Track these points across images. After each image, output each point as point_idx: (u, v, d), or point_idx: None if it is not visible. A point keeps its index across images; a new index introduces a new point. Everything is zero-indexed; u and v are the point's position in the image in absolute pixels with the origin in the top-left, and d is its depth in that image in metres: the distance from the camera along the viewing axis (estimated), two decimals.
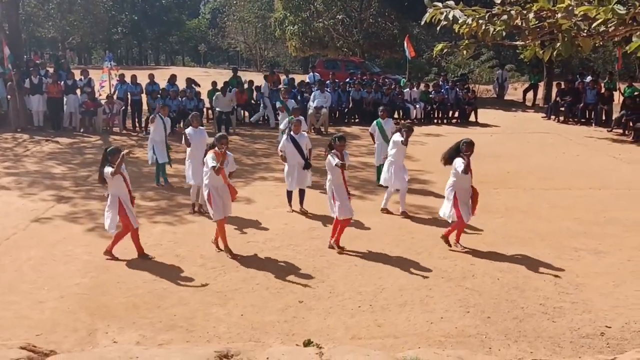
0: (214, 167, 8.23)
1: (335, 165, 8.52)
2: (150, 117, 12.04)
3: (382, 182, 10.83)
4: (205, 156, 8.54)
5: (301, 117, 11.87)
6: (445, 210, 8.83)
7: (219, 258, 8.47)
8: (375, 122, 11.95)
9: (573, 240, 9.21)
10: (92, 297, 7.25)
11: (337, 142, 8.70)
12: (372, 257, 8.55)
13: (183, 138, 10.52)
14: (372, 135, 12.01)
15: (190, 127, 10.51)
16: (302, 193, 10.57)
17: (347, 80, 21.99)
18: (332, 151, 8.68)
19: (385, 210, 10.55)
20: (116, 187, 8.20)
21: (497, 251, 8.74)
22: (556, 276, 7.84)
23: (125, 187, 8.25)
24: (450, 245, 8.82)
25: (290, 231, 9.60)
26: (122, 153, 8.04)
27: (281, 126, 12.33)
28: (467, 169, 8.45)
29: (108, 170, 8.03)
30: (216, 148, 8.41)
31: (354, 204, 9.06)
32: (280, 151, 10.71)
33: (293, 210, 10.54)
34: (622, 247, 8.94)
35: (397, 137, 10.34)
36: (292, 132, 10.50)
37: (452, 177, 8.69)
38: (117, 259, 8.37)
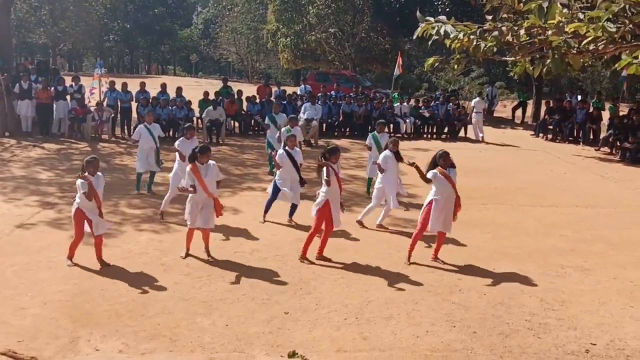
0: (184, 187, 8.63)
1: (325, 180, 8.53)
2: (133, 137, 12.00)
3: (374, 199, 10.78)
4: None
5: (298, 128, 11.95)
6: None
7: (205, 267, 8.41)
8: (371, 134, 12.10)
9: (559, 258, 9.23)
10: (75, 304, 7.16)
11: (330, 155, 8.69)
12: (358, 269, 8.52)
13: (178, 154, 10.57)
14: (369, 147, 12.06)
15: (182, 138, 10.61)
16: (293, 206, 10.56)
17: (332, 92, 22.15)
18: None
19: (380, 227, 10.51)
20: (83, 199, 8.04)
21: (483, 266, 8.75)
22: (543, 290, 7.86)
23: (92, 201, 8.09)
24: (409, 259, 8.78)
25: (277, 242, 9.56)
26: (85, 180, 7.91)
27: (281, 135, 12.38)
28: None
29: (79, 185, 7.91)
30: (196, 161, 8.48)
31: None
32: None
33: (265, 221, 10.55)
34: (607, 265, 8.98)
35: (388, 152, 10.34)
36: (287, 147, 10.49)
37: (433, 188, 8.69)
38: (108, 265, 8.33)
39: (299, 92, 22.40)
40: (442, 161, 8.51)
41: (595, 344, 6.56)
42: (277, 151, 10.71)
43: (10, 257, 8.55)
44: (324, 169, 8.56)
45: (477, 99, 21.52)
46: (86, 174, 7.88)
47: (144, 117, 13.22)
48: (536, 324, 6.97)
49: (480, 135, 20.85)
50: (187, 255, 8.73)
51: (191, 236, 8.75)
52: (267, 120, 14.48)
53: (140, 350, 6.17)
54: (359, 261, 8.81)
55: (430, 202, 8.58)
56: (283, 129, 12.56)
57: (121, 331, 6.56)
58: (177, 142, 10.74)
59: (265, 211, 10.60)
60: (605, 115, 20.89)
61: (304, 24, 34.48)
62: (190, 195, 8.54)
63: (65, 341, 6.32)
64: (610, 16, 3.97)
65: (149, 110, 13.50)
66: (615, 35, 4.00)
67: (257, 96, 21.27)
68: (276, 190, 10.41)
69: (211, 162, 8.67)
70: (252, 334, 6.61)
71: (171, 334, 6.53)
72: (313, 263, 8.68)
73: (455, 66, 5.60)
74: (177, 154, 10.54)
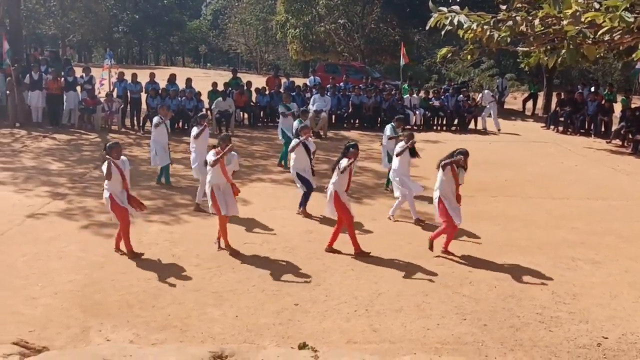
0: (212, 160, 8.40)
1: (345, 166, 8.52)
2: (155, 123, 11.90)
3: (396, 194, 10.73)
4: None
5: (308, 122, 12.00)
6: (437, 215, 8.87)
7: (215, 258, 8.42)
8: (389, 125, 12.07)
9: (570, 250, 9.18)
10: (85, 294, 7.20)
11: (351, 149, 8.69)
12: (368, 261, 8.50)
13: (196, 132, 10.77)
14: (393, 137, 11.88)
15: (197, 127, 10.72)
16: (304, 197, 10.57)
17: (342, 83, 22.04)
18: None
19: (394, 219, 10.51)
20: (110, 184, 8.18)
21: (494, 259, 8.70)
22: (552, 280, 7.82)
23: (120, 183, 8.21)
24: (432, 250, 8.75)
25: (287, 233, 9.56)
26: (114, 162, 8.08)
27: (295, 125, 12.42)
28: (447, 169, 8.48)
29: (104, 168, 8.10)
30: (219, 147, 8.57)
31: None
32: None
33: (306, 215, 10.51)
34: (619, 258, 8.92)
35: (403, 145, 10.29)
36: (301, 137, 10.50)
37: (439, 181, 8.71)
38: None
39: (308, 84, 22.32)
40: (461, 159, 8.56)
41: (607, 338, 6.52)
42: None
43: (21, 247, 8.59)
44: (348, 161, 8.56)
45: (487, 90, 21.55)
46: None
47: (156, 108, 13.21)
48: (547, 317, 6.94)
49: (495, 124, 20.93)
50: (231, 248, 8.64)
51: (225, 225, 8.67)
52: (281, 109, 14.48)
53: (151, 341, 6.18)
54: (370, 253, 8.78)
55: (440, 200, 8.62)
56: (295, 122, 12.57)
57: (132, 321, 6.58)
58: (194, 129, 10.84)
59: (303, 204, 10.52)
60: (617, 107, 20.70)
61: (313, 15, 34.33)
62: (209, 184, 8.57)
63: (76, 331, 6.35)
64: (628, 5, 3.91)
65: (162, 105, 13.46)
66: (633, 25, 3.94)
67: (267, 87, 21.23)
68: (306, 181, 10.42)
69: (234, 152, 8.80)
70: (262, 325, 6.62)
71: (182, 325, 6.55)
72: (369, 254, 8.68)
73: (468, 57, 5.55)
74: (190, 145, 10.79)
